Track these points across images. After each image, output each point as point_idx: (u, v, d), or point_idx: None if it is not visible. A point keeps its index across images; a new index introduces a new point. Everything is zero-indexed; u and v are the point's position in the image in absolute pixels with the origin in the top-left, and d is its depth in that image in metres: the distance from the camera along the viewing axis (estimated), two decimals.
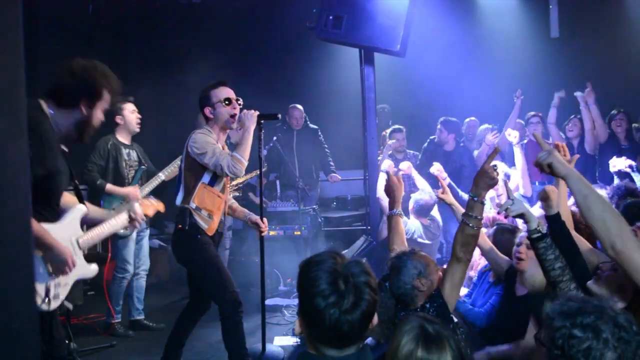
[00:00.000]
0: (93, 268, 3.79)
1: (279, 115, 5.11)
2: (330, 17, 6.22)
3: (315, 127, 8.74)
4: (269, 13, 10.13)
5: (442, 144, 8.09)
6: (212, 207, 4.84)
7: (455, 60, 10.19)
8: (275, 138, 8.26)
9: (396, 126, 8.63)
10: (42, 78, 8.26)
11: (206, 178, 4.80)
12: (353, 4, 6.20)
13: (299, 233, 7.79)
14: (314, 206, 8.32)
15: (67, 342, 5.43)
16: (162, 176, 6.33)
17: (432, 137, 8.31)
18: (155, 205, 4.55)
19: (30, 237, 1.30)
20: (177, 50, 9.16)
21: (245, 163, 4.68)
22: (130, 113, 6.30)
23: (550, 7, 10.34)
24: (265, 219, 5.18)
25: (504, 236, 4.66)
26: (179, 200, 4.86)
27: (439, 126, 8.09)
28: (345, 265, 1.99)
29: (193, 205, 4.78)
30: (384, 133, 8.77)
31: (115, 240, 6.32)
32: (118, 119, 6.28)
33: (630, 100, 8.68)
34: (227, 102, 4.79)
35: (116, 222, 3.89)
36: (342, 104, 9.52)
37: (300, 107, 8.56)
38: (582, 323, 2.05)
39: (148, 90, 8.20)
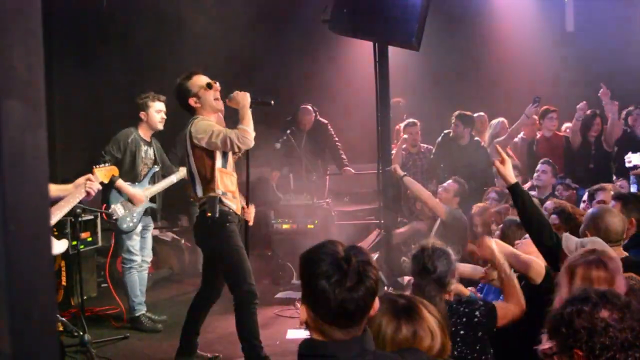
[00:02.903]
0: (62, 242, 4.11)
1: (272, 102, 5.15)
2: (345, 11, 6.19)
3: (325, 121, 8.72)
4: (284, 5, 10.12)
5: (457, 138, 8.05)
6: (233, 188, 4.98)
7: (469, 54, 10.15)
8: (289, 131, 8.24)
9: (410, 120, 8.61)
10: (58, 73, 8.34)
11: (219, 162, 4.88)
12: None
13: (312, 226, 7.80)
14: (327, 200, 8.31)
15: (81, 333, 5.51)
16: (174, 179, 6.44)
17: (446, 131, 8.27)
18: (110, 170, 4.88)
19: (49, 226, 1.30)
20: (190, 45, 9.15)
21: (252, 133, 4.79)
22: (156, 112, 6.27)
23: (566, 0, 10.27)
24: (252, 206, 5.27)
25: (510, 229, 4.59)
26: (199, 192, 4.92)
27: (454, 120, 8.05)
28: (345, 249, 2.02)
29: (220, 191, 4.86)
30: (397, 127, 8.74)
31: (118, 235, 6.37)
32: (142, 115, 6.27)
33: None
34: (209, 86, 4.93)
35: (73, 196, 4.51)
36: (356, 97, 9.50)
37: (310, 107, 8.53)
38: (585, 301, 2.11)
39: (163, 85, 8.20)
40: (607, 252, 3.08)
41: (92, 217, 6.79)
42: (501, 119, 8.45)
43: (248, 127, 4.78)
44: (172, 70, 8.68)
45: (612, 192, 5.35)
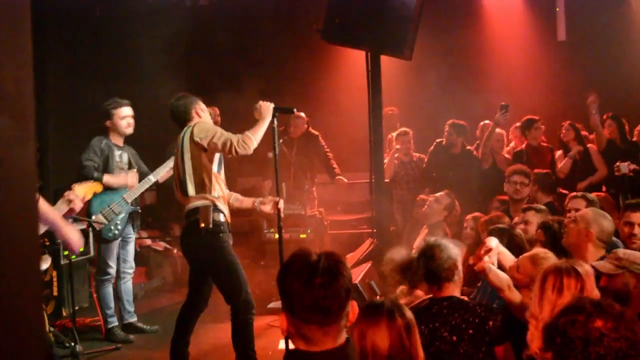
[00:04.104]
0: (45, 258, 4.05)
1: (295, 110, 5.30)
2: (337, 20, 6.20)
3: (317, 133, 8.68)
4: (276, 15, 10.13)
5: (450, 147, 8.04)
6: (224, 194, 4.99)
7: (461, 63, 10.17)
8: (281, 141, 8.21)
9: (402, 129, 8.61)
10: (50, 80, 8.33)
11: (215, 167, 4.90)
12: (360, 7, 6.18)
13: (304, 236, 7.77)
14: (320, 209, 8.29)
15: (72, 344, 5.48)
16: (152, 179, 6.33)
17: (439, 140, 8.26)
18: (91, 187, 4.84)
19: (37, 238, 1.30)
20: (183, 52, 9.16)
21: (255, 143, 4.83)
22: (120, 119, 6.29)
23: (557, 9, 10.32)
24: (280, 200, 5.13)
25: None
26: (191, 191, 4.87)
27: (447, 129, 8.04)
28: (317, 253, 2.10)
29: (215, 194, 4.86)
30: (390, 136, 8.74)
31: (100, 244, 6.33)
32: (108, 123, 6.30)
33: (637, 103, 8.66)
34: (202, 108, 5.13)
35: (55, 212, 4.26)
36: (349, 106, 9.50)
37: (303, 114, 8.50)
38: (579, 311, 2.13)
39: (155, 92, 8.21)
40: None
41: (83, 227, 6.76)
42: (498, 129, 8.42)
43: (254, 135, 4.83)
44: (167, 76, 8.72)
45: (583, 201, 5.27)
